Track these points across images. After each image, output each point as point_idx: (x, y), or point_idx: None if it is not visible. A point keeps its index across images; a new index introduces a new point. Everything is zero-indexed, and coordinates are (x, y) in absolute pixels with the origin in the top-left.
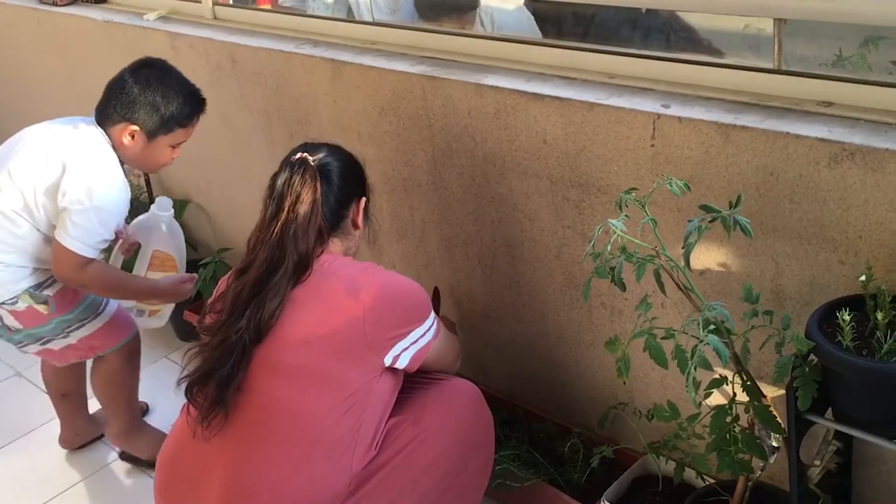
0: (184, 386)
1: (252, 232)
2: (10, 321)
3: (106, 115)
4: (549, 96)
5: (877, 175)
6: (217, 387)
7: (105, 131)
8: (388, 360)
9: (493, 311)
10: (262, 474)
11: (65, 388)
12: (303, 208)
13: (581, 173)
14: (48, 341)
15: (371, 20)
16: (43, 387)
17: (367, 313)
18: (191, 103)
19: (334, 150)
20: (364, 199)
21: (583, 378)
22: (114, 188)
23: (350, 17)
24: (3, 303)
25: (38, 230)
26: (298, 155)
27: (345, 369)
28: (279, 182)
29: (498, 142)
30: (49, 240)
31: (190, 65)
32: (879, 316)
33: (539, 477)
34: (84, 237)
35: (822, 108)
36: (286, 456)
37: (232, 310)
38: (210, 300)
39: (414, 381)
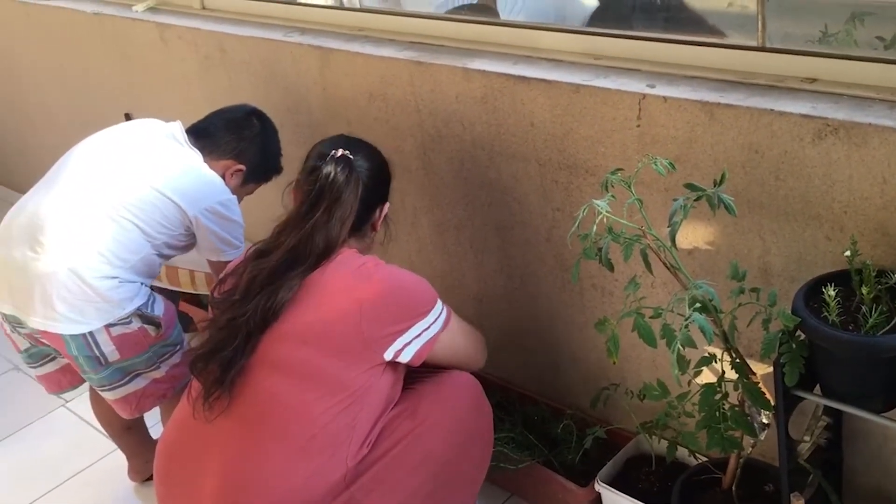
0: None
1: (283, 217)
2: (109, 348)
3: (216, 144)
4: (535, 79)
5: (861, 150)
6: (220, 367)
7: (204, 157)
8: (388, 356)
9: (486, 294)
10: (258, 467)
11: (129, 421)
12: (339, 210)
13: (568, 155)
14: (135, 377)
15: (359, 6)
16: (37, 382)
17: (363, 310)
18: (278, 164)
19: (371, 150)
20: (387, 204)
21: (575, 360)
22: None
23: (338, 4)
24: (114, 324)
25: (151, 243)
26: (341, 152)
27: (342, 368)
28: (322, 175)
29: (486, 126)
30: (160, 254)
31: (179, 55)
32: (864, 290)
33: (533, 458)
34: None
35: (807, 84)
36: (282, 450)
37: (245, 292)
38: (223, 274)
39: (414, 374)
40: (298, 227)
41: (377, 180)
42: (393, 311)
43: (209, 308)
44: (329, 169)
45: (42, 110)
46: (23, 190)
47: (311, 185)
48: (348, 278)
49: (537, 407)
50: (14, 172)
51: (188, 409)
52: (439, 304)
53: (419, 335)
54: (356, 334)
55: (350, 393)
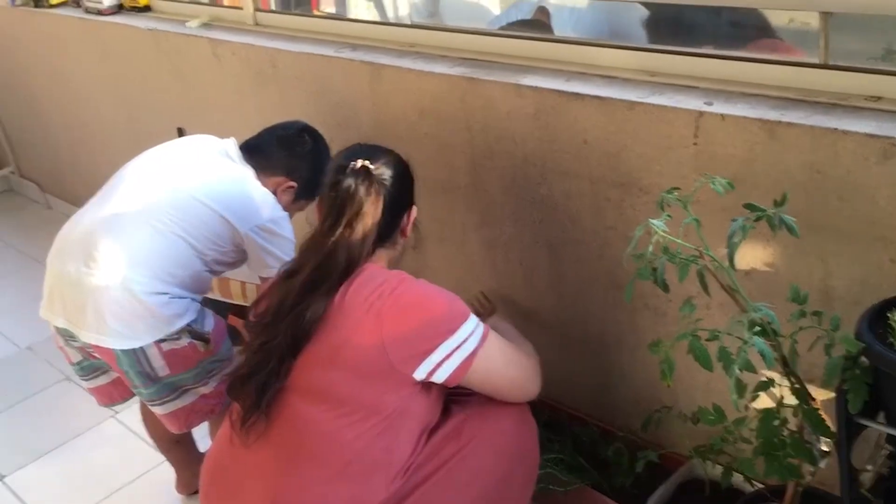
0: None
1: (308, 235)
2: (159, 363)
3: (268, 161)
4: (589, 96)
5: None
6: (255, 391)
7: (256, 173)
8: (419, 376)
9: (535, 313)
10: (298, 495)
11: (177, 434)
12: (361, 223)
13: (622, 173)
14: (184, 392)
15: (410, 23)
16: (87, 393)
17: (385, 330)
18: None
19: (390, 156)
20: (415, 208)
21: (626, 380)
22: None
23: (389, 21)
24: (165, 339)
25: (201, 259)
26: (360, 163)
27: (372, 391)
28: (342, 188)
29: (538, 142)
30: (210, 270)
31: (232, 71)
32: None
33: (583, 481)
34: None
35: (871, 102)
36: (319, 476)
37: (275, 315)
38: (257, 296)
39: (455, 393)
40: (321, 245)
41: (401, 186)
42: (417, 330)
43: (245, 331)
44: (349, 182)
45: (97, 124)
46: (77, 203)
47: (332, 200)
48: (372, 297)
49: (587, 428)
50: (69, 185)
51: (229, 431)
52: (472, 320)
53: (450, 354)
54: (381, 356)
55: (384, 417)
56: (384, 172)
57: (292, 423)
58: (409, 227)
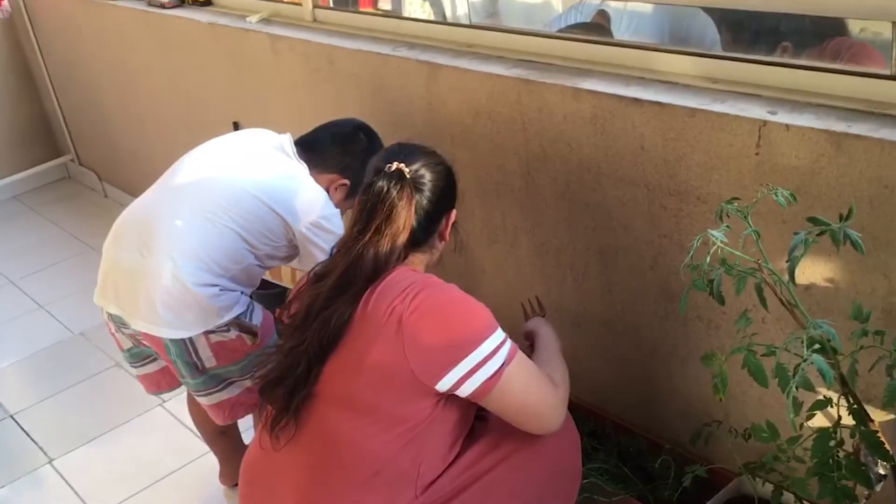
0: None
1: (341, 237)
2: (206, 354)
3: (322, 158)
4: (648, 101)
5: None
6: (285, 395)
7: (310, 170)
8: (443, 387)
9: (584, 319)
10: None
11: (222, 426)
12: (391, 228)
13: (680, 181)
14: (229, 384)
15: (468, 23)
16: (136, 382)
17: (406, 338)
18: None
19: (429, 157)
20: (454, 212)
21: (676, 392)
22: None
23: (446, 20)
24: (213, 331)
25: (254, 254)
26: (395, 166)
27: (397, 401)
28: (374, 191)
29: (594, 147)
30: (261, 264)
31: (289, 67)
32: None
33: (628, 493)
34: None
35: None
36: (347, 485)
37: (303, 319)
38: (288, 299)
39: None
40: (350, 249)
41: (440, 189)
42: (439, 340)
43: (277, 333)
44: (381, 184)
45: (155, 115)
46: (134, 192)
47: (364, 203)
48: (395, 301)
49: (634, 438)
50: (126, 174)
51: (262, 433)
52: (498, 334)
53: (476, 369)
54: (402, 364)
55: (409, 427)
56: (423, 175)
57: (320, 430)
58: (448, 231)
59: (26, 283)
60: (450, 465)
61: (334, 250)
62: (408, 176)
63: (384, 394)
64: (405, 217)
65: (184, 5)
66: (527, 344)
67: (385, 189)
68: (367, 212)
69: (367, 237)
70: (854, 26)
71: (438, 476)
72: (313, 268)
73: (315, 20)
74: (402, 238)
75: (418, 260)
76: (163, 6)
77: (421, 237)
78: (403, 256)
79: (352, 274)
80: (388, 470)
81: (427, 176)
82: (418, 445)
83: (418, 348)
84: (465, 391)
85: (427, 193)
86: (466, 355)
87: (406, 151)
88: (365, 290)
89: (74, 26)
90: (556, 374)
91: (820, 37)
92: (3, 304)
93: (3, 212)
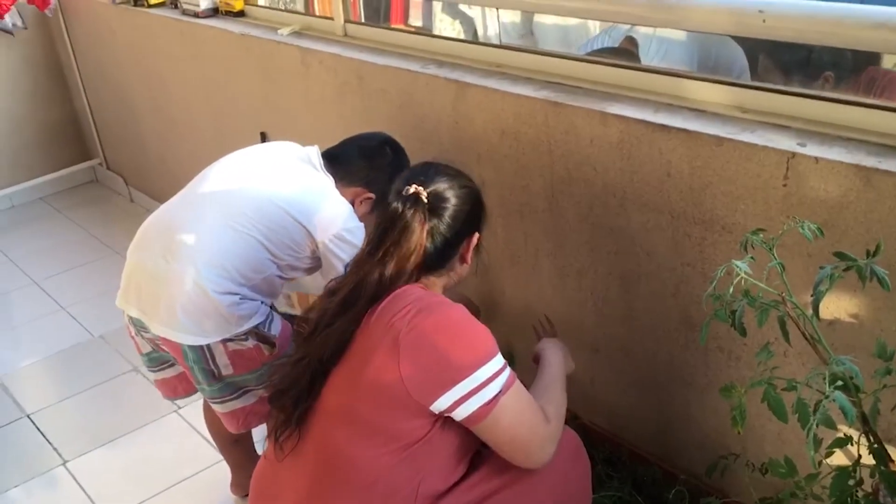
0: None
1: (356, 254)
2: (223, 362)
3: (347, 171)
4: (675, 128)
5: None
6: (290, 406)
7: (336, 182)
8: (438, 408)
9: (603, 344)
10: None
11: (236, 434)
12: (400, 252)
13: (705, 210)
14: (245, 393)
15: (497, 42)
16: (153, 387)
17: (402, 356)
18: None
19: (455, 179)
20: (477, 235)
21: (693, 422)
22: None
23: (476, 40)
24: (231, 339)
25: (276, 264)
26: (413, 189)
27: (393, 418)
28: (388, 213)
29: (619, 172)
30: (283, 276)
31: (318, 80)
32: None
33: None
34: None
35: None
36: (347, 499)
37: (312, 330)
38: (304, 310)
39: None
40: (360, 267)
41: (462, 213)
42: (436, 359)
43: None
44: (396, 206)
45: (184, 123)
46: (160, 197)
47: (379, 223)
48: (394, 319)
49: (649, 467)
50: (153, 180)
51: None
52: (497, 361)
53: (471, 393)
54: (397, 382)
55: (404, 444)
56: (445, 199)
57: (321, 443)
58: (470, 255)
59: (49, 285)
60: (455, 484)
61: (348, 267)
62: (424, 200)
63: (380, 409)
64: (416, 242)
65: (217, 15)
66: (535, 366)
67: (399, 211)
68: (379, 233)
69: (375, 258)
70: (889, 61)
71: (442, 495)
72: (329, 282)
73: (346, 35)
74: (413, 262)
75: (432, 282)
76: (196, 15)
77: (435, 261)
78: (416, 279)
79: (357, 293)
80: (383, 485)
81: (449, 200)
82: (418, 463)
83: (413, 366)
84: (459, 415)
85: (446, 219)
86: (463, 378)
87: (430, 172)
88: (367, 310)
89: (109, 31)
90: (551, 406)
91: (856, 68)
92: (25, 305)
93: (29, 213)
